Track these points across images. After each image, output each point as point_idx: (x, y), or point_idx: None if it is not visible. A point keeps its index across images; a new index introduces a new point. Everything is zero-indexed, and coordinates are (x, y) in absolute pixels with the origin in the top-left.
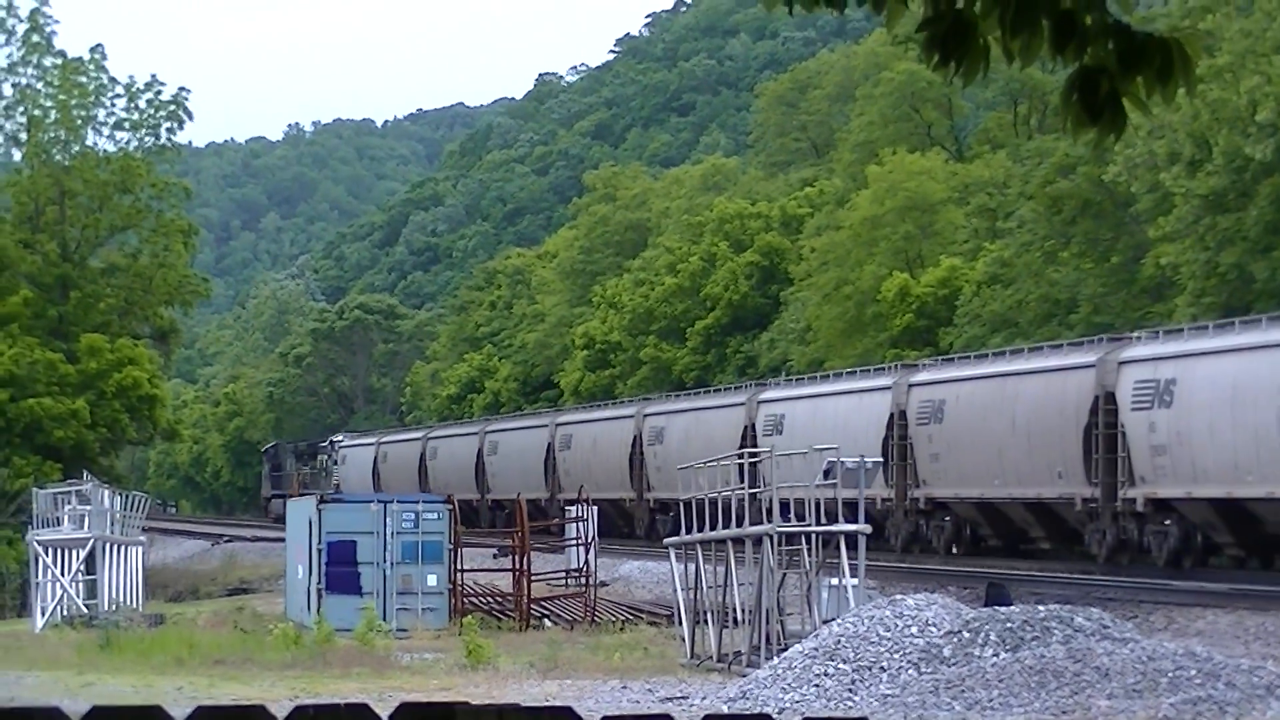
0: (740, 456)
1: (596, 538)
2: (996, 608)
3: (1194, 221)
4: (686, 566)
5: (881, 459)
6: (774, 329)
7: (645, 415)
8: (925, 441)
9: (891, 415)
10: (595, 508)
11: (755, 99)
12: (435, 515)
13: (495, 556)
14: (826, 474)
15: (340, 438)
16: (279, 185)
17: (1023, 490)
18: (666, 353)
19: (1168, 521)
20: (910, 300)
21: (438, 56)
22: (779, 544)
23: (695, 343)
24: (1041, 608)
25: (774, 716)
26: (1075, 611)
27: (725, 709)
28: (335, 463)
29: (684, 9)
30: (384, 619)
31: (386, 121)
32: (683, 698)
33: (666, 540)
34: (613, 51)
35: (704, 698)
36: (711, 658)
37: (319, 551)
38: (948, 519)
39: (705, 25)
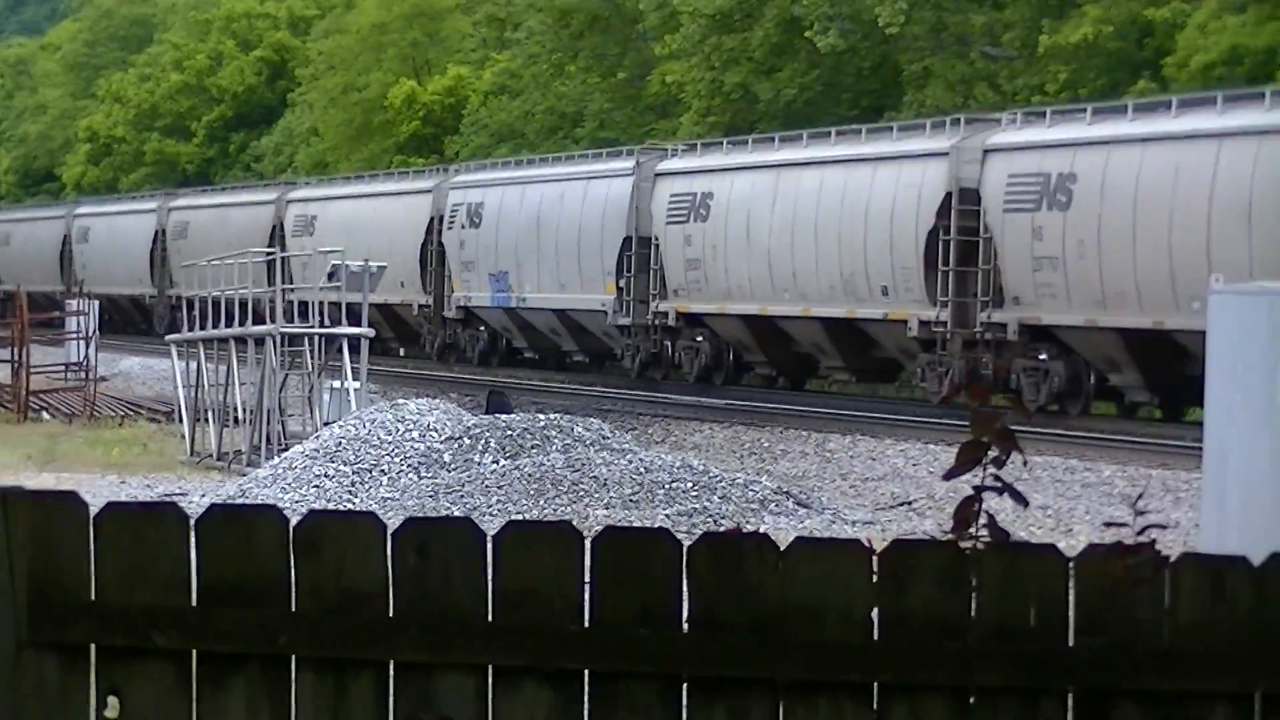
0: (228, 256)
1: (97, 332)
2: (498, 415)
3: (700, 40)
4: (189, 364)
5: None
6: (279, 131)
7: (169, 210)
8: (457, 247)
9: (432, 219)
10: (96, 302)
11: None
12: None
13: None
14: (330, 277)
15: None
16: None
17: (557, 300)
18: (170, 149)
19: (699, 338)
20: (417, 108)
21: None
22: (282, 345)
23: (201, 138)
24: (541, 416)
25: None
26: (575, 421)
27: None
28: None
29: None
30: None
31: None
32: (181, 494)
33: (168, 337)
34: None
35: (203, 495)
36: (212, 456)
37: None
38: (482, 328)
39: None
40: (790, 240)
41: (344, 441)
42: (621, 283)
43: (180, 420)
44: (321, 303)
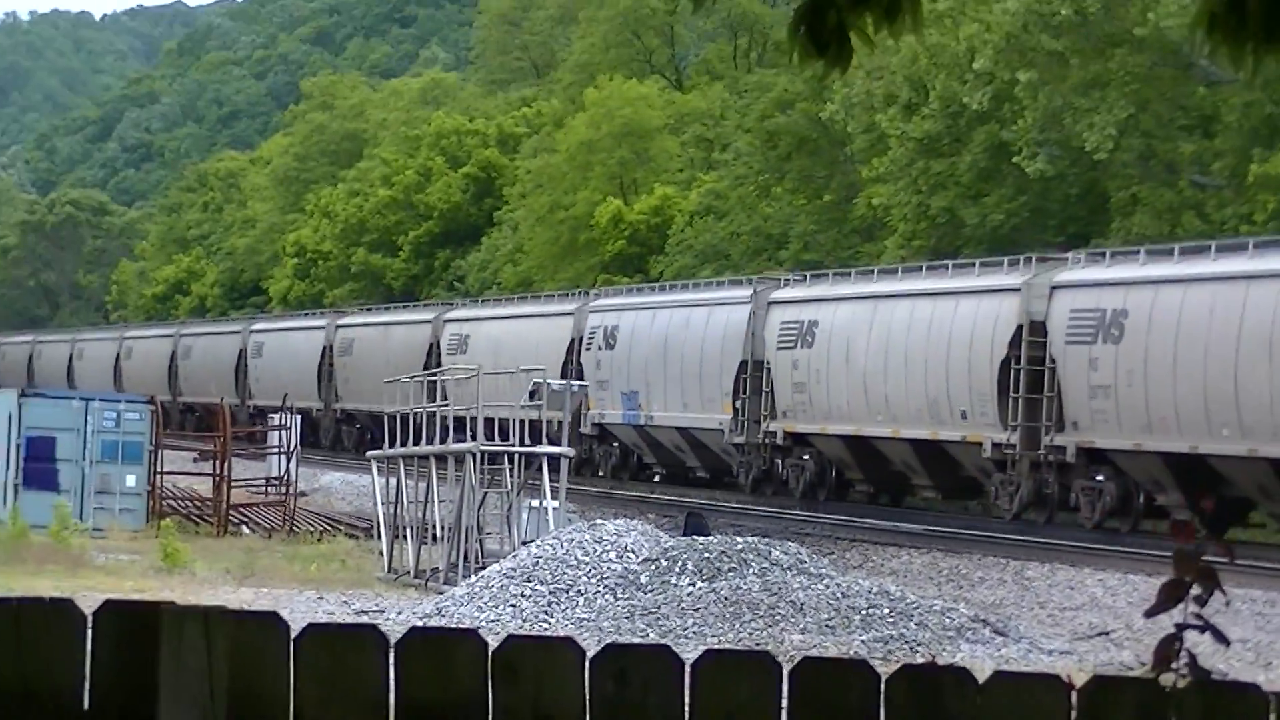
0: (436, 373)
1: (299, 447)
2: (695, 537)
3: (907, 164)
4: (388, 480)
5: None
6: (486, 248)
7: (337, 327)
8: (594, 367)
9: (573, 340)
10: (299, 417)
11: (478, 15)
12: (137, 415)
13: (195, 461)
14: (532, 395)
15: None
16: None
17: (681, 419)
18: (376, 263)
19: (805, 456)
20: (623, 227)
21: None
22: (481, 463)
23: (407, 253)
24: (739, 539)
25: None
26: (773, 545)
27: (419, 624)
28: None
29: None
30: (81, 518)
31: (105, 15)
32: (378, 611)
33: (369, 454)
34: None
35: (400, 612)
36: (409, 573)
37: (17, 447)
38: (615, 444)
39: None
40: (884, 366)
41: (541, 561)
42: (738, 403)
43: (378, 536)
44: (520, 420)
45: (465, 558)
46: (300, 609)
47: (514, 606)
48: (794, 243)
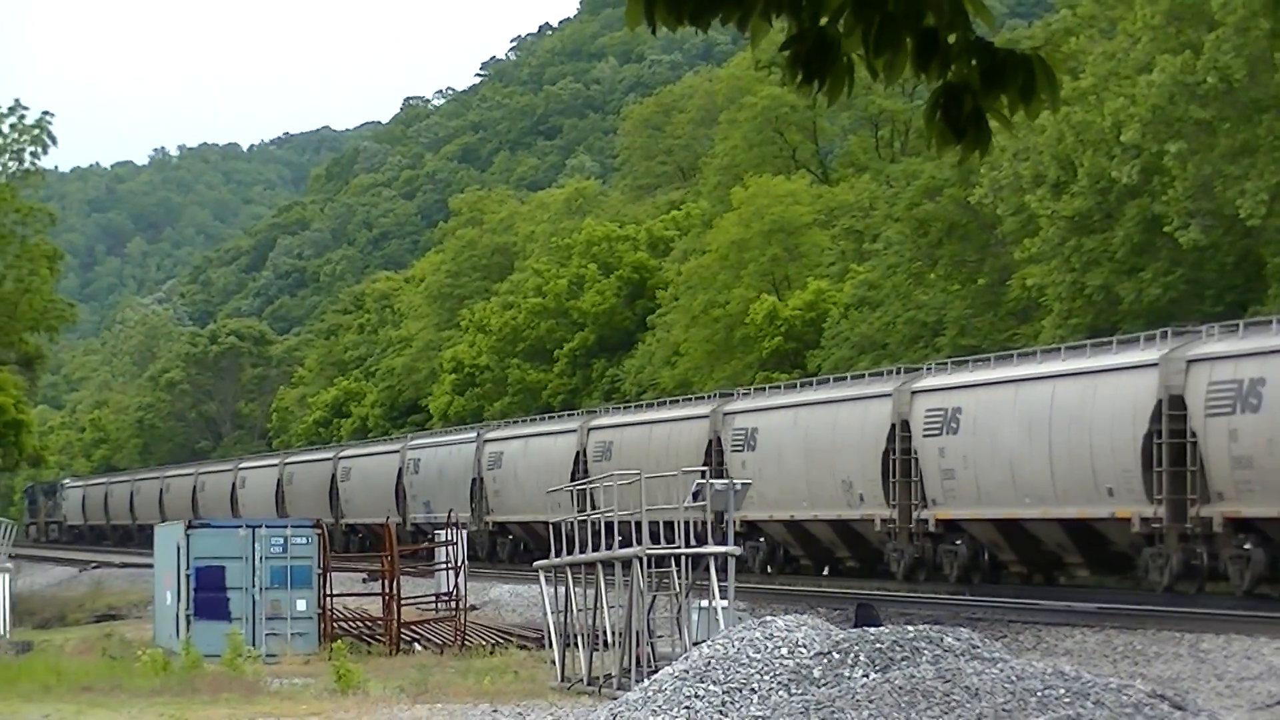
0: (595, 481)
1: (466, 561)
2: (866, 628)
3: (1059, 243)
4: (556, 589)
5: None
6: (640, 354)
7: (485, 441)
8: (739, 468)
9: (710, 442)
10: (465, 531)
11: (621, 122)
12: (304, 540)
13: (365, 581)
14: (695, 496)
15: (68, 481)
16: (144, 210)
17: (827, 511)
18: (533, 375)
19: (958, 541)
20: (779, 323)
21: (304, 80)
22: (648, 566)
23: (562, 365)
24: (910, 628)
25: None
26: (944, 631)
27: None
28: (64, 499)
29: (549, 32)
30: (253, 644)
31: (252, 145)
32: None
33: (536, 564)
34: (479, 75)
35: None
36: (582, 681)
37: (187, 577)
38: (762, 539)
39: (571, 49)
40: (1029, 448)
41: (713, 661)
42: (888, 493)
43: (550, 646)
44: (686, 522)
45: (637, 662)
46: None
47: (688, 708)
48: (950, 329)
